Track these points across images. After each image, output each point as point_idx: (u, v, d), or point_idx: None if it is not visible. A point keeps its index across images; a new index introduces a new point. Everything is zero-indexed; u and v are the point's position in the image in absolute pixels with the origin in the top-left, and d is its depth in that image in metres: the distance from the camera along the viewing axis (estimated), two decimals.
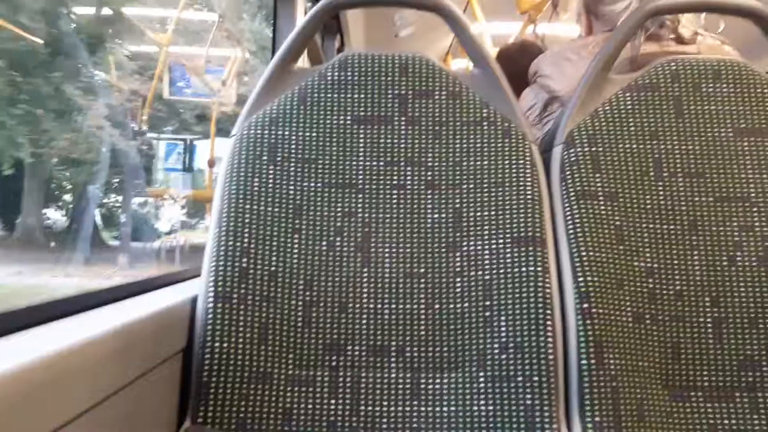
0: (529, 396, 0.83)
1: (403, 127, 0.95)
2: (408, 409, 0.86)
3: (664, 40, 1.14)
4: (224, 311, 0.85)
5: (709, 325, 0.89)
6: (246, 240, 0.89)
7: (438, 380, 0.87)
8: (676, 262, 0.91)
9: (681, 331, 0.89)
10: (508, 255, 0.89)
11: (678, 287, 0.90)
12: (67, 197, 11.61)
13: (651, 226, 0.92)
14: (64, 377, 0.56)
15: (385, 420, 0.85)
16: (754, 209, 0.93)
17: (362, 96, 0.96)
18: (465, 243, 0.91)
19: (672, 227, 0.92)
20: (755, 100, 0.97)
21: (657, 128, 0.96)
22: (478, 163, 0.94)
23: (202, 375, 0.83)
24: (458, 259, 0.90)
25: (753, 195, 0.93)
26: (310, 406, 0.85)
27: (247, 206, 0.91)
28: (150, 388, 0.76)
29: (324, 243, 0.91)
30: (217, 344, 0.84)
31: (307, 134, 0.95)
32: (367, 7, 1.14)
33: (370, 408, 0.86)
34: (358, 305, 0.89)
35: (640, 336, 0.88)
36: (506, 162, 0.93)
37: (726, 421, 0.86)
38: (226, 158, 0.95)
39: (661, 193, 0.93)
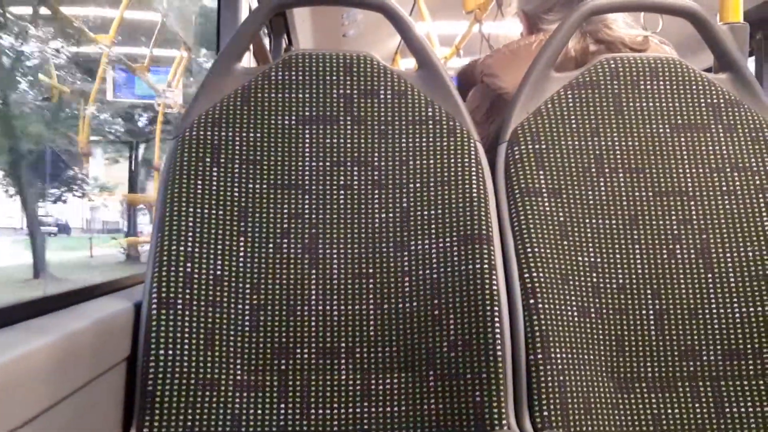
0: (478, 393, 0.83)
1: (348, 127, 0.95)
2: (359, 410, 0.85)
3: (615, 49, 1.16)
4: (168, 318, 0.83)
5: (651, 317, 0.91)
6: (190, 244, 0.87)
7: (388, 380, 0.87)
8: (618, 256, 0.93)
9: (624, 323, 0.91)
10: (455, 253, 0.89)
11: (621, 281, 0.92)
12: None
13: (594, 221, 0.94)
14: (1, 390, 0.54)
15: (336, 422, 0.85)
16: (692, 203, 0.96)
17: (307, 96, 0.96)
18: (413, 242, 0.91)
19: (614, 222, 0.94)
20: (691, 96, 1.00)
21: (598, 125, 0.98)
22: (424, 162, 0.94)
23: (147, 383, 0.81)
24: (406, 258, 0.90)
25: (690, 189, 0.96)
26: (259, 412, 0.84)
27: (191, 209, 0.89)
28: (93, 398, 0.74)
29: (271, 245, 0.90)
30: (162, 352, 0.82)
31: (251, 135, 0.93)
32: (313, 6, 1.14)
33: (320, 411, 0.85)
34: (306, 307, 0.88)
35: (585, 330, 0.89)
36: (452, 160, 0.94)
37: (669, 411, 0.88)
38: (167, 160, 0.93)
39: (603, 188, 0.95)
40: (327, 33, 4.01)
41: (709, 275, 0.93)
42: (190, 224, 0.88)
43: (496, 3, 3.00)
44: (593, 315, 0.90)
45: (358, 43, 4.30)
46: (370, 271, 0.90)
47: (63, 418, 0.66)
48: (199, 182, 0.90)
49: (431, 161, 0.94)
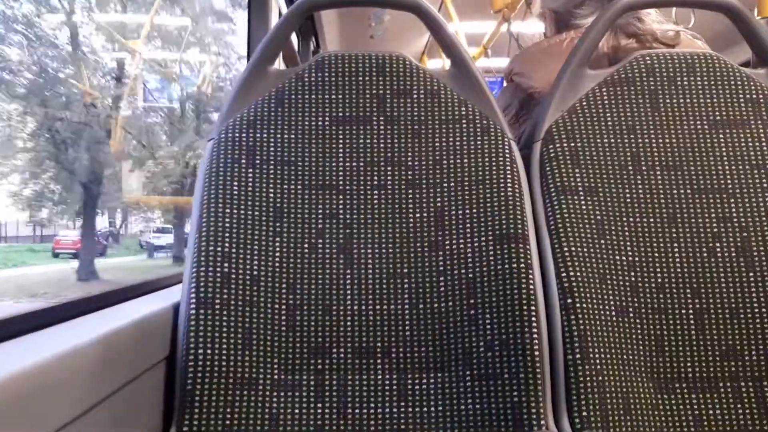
0: (516, 393, 0.83)
1: (382, 127, 0.95)
2: (395, 410, 0.85)
3: (646, 42, 1.14)
4: (207, 317, 0.84)
5: (692, 316, 0.90)
6: (227, 244, 0.88)
7: (425, 380, 0.87)
8: (657, 254, 0.92)
9: (664, 323, 0.89)
10: (491, 252, 0.89)
11: (660, 280, 0.91)
12: None
13: (631, 219, 0.93)
14: (45, 389, 0.55)
15: (372, 422, 0.85)
16: (732, 200, 0.94)
17: (340, 96, 0.96)
18: (447, 241, 0.91)
19: (652, 220, 0.93)
20: (729, 92, 0.98)
21: (634, 122, 0.97)
22: (458, 161, 0.94)
23: (187, 383, 0.82)
24: (441, 257, 0.90)
25: (730, 186, 0.95)
26: (296, 411, 0.85)
27: (227, 210, 0.90)
28: (134, 397, 0.75)
29: (306, 245, 0.90)
30: (200, 351, 0.83)
31: (286, 136, 0.94)
32: (344, 7, 1.14)
33: (357, 410, 0.85)
34: (342, 307, 0.88)
35: (624, 329, 0.88)
36: (486, 159, 0.93)
37: (711, 411, 0.87)
38: (204, 162, 0.94)
39: (640, 186, 0.94)
40: (354, 34, 4.03)
41: (750, 274, 0.91)
42: (227, 225, 0.89)
43: (524, 2, 2.99)
44: (632, 314, 0.89)
45: (385, 44, 4.30)
46: (405, 270, 0.90)
47: (105, 417, 0.67)
48: (235, 183, 0.91)
49: (465, 160, 0.94)
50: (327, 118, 0.95)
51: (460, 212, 0.92)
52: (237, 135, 0.93)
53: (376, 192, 0.93)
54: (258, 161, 0.93)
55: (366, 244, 0.91)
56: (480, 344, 0.85)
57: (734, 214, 0.93)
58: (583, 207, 0.92)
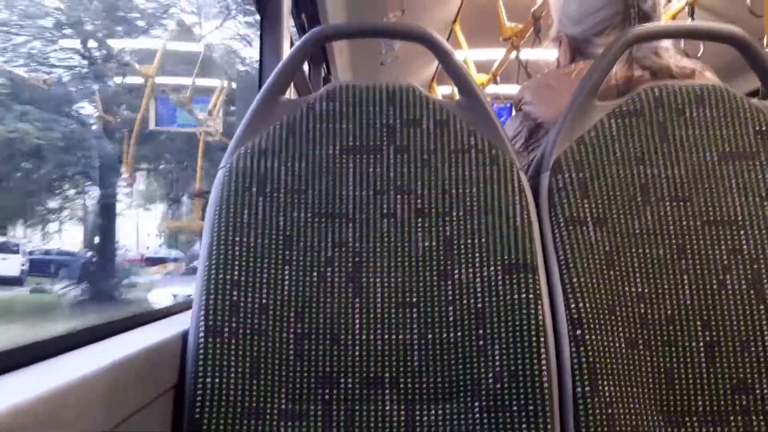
0: (524, 425, 0.82)
1: (391, 157, 0.96)
2: None
3: (661, 76, 1.14)
4: (215, 345, 0.84)
5: (702, 349, 0.89)
6: (236, 273, 0.88)
7: (433, 411, 0.86)
8: (666, 286, 0.91)
9: (674, 355, 0.89)
10: (500, 282, 0.89)
11: (669, 312, 0.90)
12: None
13: (640, 251, 0.93)
14: (53, 419, 0.55)
15: None
16: (742, 232, 0.94)
17: (350, 126, 0.97)
18: (456, 271, 0.91)
19: (661, 252, 0.93)
20: (738, 123, 0.98)
21: (643, 154, 0.97)
22: (467, 190, 0.94)
23: (195, 411, 0.82)
24: (450, 287, 0.90)
25: (740, 218, 0.94)
26: None
27: (237, 238, 0.90)
28: (142, 426, 0.75)
29: (315, 274, 0.91)
30: (209, 380, 0.83)
31: (297, 165, 0.95)
32: (354, 39, 1.15)
33: None
34: (350, 336, 0.88)
35: (633, 362, 0.87)
36: (495, 189, 0.94)
37: None
38: (215, 190, 0.95)
39: (649, 217, 0.94)
40: (365, 61, 4.06)
41: (761, 306, 0.90)
42: (237, 253, 0.89)
43: (533, 30, 3.02)
44: (641, 347, 0.88)
45: (396, 71, 4.33)
46: (414, 300, 0.90)
47: None
48: (246, 211, 0.92)
49: (474, 190, 0.94)
50: (337, 148, 0.96)
51: (469, 241, 0.92)
52: (248, 163, 0.94)
53: (385, 221, 0.93)
54: (268, 190, 0.93)
55: (375, 273, 0.91)
56: (489, 375, 0.85)
57: (744, 246, 0.93)
58: (592, 238, 0.92)
